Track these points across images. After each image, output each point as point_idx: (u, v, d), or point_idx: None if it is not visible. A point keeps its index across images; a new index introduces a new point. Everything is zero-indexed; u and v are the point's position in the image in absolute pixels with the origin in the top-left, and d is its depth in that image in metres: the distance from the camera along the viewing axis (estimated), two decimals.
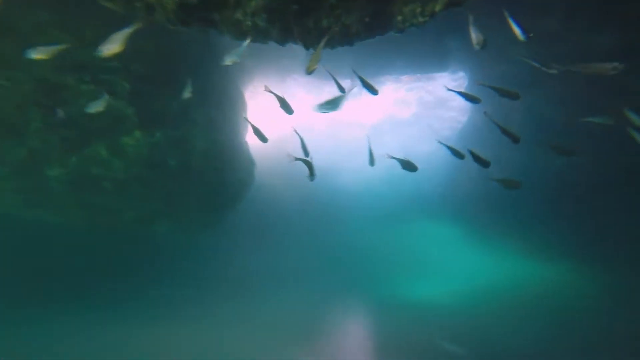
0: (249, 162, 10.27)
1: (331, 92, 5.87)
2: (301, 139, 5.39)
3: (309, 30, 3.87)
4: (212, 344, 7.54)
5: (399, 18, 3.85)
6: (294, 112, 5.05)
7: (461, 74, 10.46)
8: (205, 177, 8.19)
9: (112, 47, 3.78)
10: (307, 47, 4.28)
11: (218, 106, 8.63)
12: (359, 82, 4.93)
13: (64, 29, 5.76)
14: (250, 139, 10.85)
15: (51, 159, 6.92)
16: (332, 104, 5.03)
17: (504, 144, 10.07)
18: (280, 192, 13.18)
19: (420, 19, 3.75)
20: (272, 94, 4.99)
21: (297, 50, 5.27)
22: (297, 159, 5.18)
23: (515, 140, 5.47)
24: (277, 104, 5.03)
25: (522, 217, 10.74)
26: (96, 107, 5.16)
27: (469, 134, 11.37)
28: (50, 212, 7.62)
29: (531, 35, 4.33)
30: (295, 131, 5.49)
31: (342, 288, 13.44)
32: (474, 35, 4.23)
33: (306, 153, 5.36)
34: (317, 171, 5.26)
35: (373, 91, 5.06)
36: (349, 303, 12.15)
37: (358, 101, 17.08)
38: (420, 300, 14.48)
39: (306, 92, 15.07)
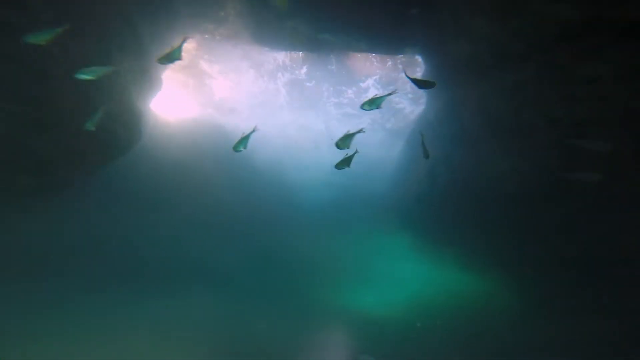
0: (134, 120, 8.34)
1: None
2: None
3: None
4: None
5: None
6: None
7: (417, 57, 9.75)
8: None
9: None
10: None
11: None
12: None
13: None
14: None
15: None
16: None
17: (455, 147, 9.66)
18: (209, 177, 11.09)
19: None
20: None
21: None
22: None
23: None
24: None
25: (465, 225, 10.22)
26: None
27: (421, 129, 10.67)
28: None
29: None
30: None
31: (271, 294, 11.97)
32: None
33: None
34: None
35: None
36: (274, 310, 10.71)
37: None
38: (355, 310, 13.66)
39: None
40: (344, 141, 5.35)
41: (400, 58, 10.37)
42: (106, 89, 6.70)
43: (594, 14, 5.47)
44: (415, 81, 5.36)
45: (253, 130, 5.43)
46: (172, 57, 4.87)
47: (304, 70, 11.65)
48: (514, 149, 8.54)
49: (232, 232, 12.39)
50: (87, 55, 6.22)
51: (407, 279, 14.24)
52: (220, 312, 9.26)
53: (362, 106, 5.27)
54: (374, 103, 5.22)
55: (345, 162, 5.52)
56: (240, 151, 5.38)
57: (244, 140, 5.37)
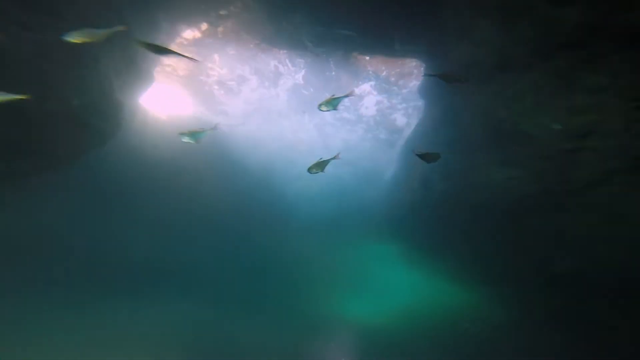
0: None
1: None
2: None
3: None
4: None
5: None
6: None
7: (413, 62, 9.56)
8: None
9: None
10: None
11: None
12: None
13: None
14: None
15: None
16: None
17: (450, 155, 9.47)
18: (197, 179, 10.60)
19: None
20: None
21: None
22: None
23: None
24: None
25: (457, 235, 9.99)
26: None
27: (416, 142, 10.45)
28: None
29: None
30: None
31: (260, 302, 11.45)
32: None
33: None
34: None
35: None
36: (262, 319, 10.21)
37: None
38: (345, 318, 13.23)
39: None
40: (318, 167, 5.38)
41: (395, 68, 10.10)
42: (81, 76, 6.19)
43: (599, 20, 5.25)
44: (443, 77, 5.32)
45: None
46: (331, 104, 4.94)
47: (302, 73, 11.36)
48: (511, 159, 8.36)
49: (221, 236, 11.88)
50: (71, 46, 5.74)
51: (397, 288, 13.92)
52: (201, 320, 8.68)
53: (319, 107, 5.23)
54: (330, 104, 5.21)
55: (319, 166, 5.43)
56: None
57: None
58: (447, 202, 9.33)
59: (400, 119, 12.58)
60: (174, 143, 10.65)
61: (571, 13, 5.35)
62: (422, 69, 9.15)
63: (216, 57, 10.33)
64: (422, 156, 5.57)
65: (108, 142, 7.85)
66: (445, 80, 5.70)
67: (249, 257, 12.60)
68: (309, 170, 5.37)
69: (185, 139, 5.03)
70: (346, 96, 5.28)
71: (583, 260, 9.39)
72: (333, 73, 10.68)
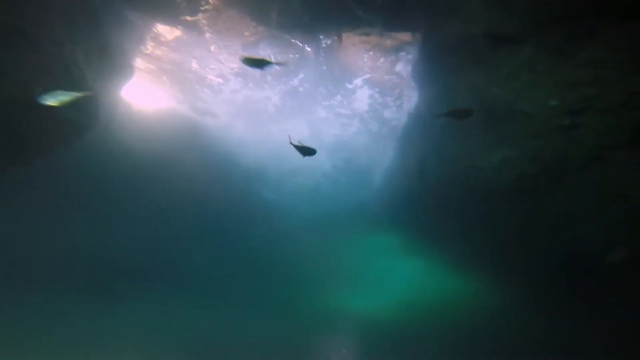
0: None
1: None
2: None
3: None
4: None
5: None
6: None
7: (403, 54, 9.15)
8: None
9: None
10: None
11: None
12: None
13: None
14: None
15: None
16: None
17: (446, 139, 9.21)
18: (183, 176, 10.11)
19: None
20: None
21: None
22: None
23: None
24: None
25: (455, 222, 9.74)
26: None
27: (411, 129, 10.12)
28: None
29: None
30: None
31: (259, 300, 11.08)
32: None
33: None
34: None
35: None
36: (263, 315, 9.90)
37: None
38: (346, 312, 12.93)
39: None
40: (255, 62, 5.30)
41: (392, 60, 9.52)
42: (49, 67, 5.72)
43: None
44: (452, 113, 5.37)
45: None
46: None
47: (300, 76, 10.64)
48: (507, 138, 8.15)
49: (212, 235, 11.49)
50: (26, 29, 5.27)
51: (398, 280, 13.70)
52: (197, 321, 8.30)
53: (244, 59, 5.21)
54: (258, 63, 5.18)
55: (256, 63, 5.31)
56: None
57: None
58: (443, 188, 9.10)
59: (390, 114, 12.09)
60: (159, 138, 10.22)
61: None
62: (414, 48, 8.75)
63: (200, 55, 9.78)
64: (452, 113, 5.42)
65: (84, 135, 7.36)
66: (455, 117, 5.51)
67: (243, 255, 12.21)
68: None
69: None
70: (277, 64, 5.34)
71: (582, 243, 9.25)
72: (325, 68, 10.15)
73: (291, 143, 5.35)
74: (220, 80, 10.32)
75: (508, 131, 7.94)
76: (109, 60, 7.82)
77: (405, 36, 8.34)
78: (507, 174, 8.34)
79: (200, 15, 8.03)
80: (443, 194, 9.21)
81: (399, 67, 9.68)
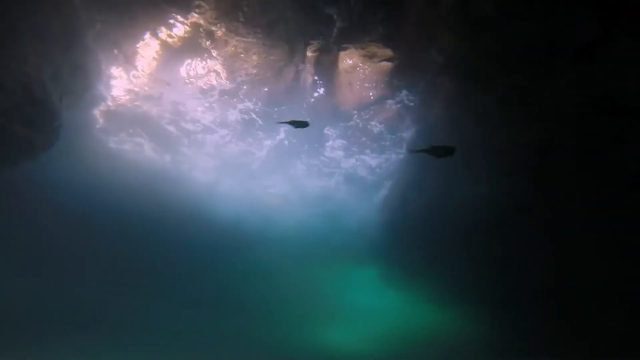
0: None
1: None
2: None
3: None
4: None
5: None
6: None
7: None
8: None
9: None
10: None
11: None
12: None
13: None
14: None
15: None
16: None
17: (427, 171, 9.34)
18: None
19: None
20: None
21: None
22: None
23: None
24: None
25: (435, 254, 9.61)
26: None
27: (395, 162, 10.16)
28: None
29: None
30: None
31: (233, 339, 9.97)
32: None
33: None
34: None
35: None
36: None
37: None
38: (323, 346, 11.99)
39: None
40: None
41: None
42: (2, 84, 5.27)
43: (552, 35, 5.53)
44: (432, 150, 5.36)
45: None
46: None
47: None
48: (483, 174, 8.35)
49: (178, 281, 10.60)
50: None
51: (377, 312, 13.09)
52: None
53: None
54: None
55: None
56: None
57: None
58: (423, 220, 9.11)
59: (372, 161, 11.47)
60: (124, 173, 9.51)
61: (529, 27, 5.49)
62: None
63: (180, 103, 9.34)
64: (432, 150, 5.27)
65: (39, 154, 6.72)
66: (434, 155, 5.45)
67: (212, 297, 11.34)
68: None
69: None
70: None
71: (560, 276, 9.27)
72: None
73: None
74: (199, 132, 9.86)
75: (484, 167, 8.15)
76: (83, 77, 7.41)
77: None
78: (481, 210, 8.40)
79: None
80: (422, 226, 9.17)
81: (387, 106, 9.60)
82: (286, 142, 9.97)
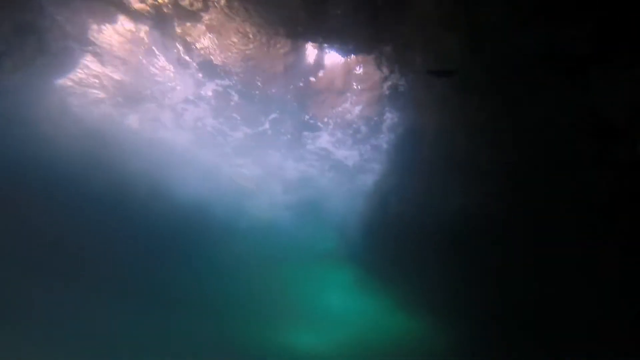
0: None
1: None
2: None
3: None
4: None
5: None
6: None
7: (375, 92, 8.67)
8: None
9: None
10: None
11: None
12: None
13: None
14: None
15: None
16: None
17: (410, 178, 9.10)
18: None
19: None
20: None
21: None
22: None
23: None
24: None
25: (411, 261, 9.56)
26: None
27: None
28: None
29: None
30: None
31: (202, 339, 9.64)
32: None
33: None
34: None
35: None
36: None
37: None
38: (295, 349, 11.94)
39: None
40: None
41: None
42: None
43: (548, 49, 5.40)
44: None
45: None
46: None
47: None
48: (466, 188, 8.22)
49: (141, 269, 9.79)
50: None
51: (352, 317, 13.13)
52: None
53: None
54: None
55: None
56: None
57: None
58: (402, 225, 8.96)
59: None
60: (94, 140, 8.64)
61: (529, 39, 5.34)
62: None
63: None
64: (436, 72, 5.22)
65: None
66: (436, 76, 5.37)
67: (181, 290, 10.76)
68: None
69: None
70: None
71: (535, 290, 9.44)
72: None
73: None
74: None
75: (467, 182, 8.01)
76: (36, 41, 6.53)
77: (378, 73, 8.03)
78: (462, 223, 8.33)
79: None
80: (401, 231, 9.05)
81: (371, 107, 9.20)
82: (270, 131, 9.37)
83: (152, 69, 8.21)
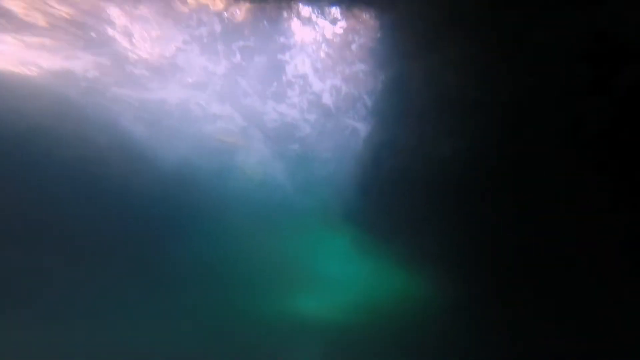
0: None
1: None
2: None
3: None
4: None
5: None
6: None
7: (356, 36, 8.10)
8: None
9: None
10: None
11: None
12: None
13: None
14: None
15: None
16: None
17: (400, 128, 8.90)
18: None
19: None
20: None
21: None
22: None
23: None
24: None
25: (410, 216, 9.46)
26: None
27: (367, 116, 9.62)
28: None
29: None
30: None
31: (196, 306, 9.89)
32: None
33: None
34: None
35: None
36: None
37: None
38: (295, 315, 12.11)
39: None
40: None
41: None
42: None
43: None
44: None
45: None
46: None
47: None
48: (459, 129, 8.01)
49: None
50: None
51: (352, 280, 13.24)
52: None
53: None
54: None
55: None
56: None
57: None
58: (397, 179, 8.81)
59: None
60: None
61: None
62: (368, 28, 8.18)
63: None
64: None
65: None
66: None
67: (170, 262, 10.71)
68: None
69: None
70: None
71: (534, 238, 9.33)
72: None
73: None
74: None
75: (459, 122, 7.80)
76: None
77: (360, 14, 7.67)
78: (460, 165, 8.19)
79: None
80: (396, 185, 8.92)
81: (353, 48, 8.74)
82: (243, 63, 8.54)
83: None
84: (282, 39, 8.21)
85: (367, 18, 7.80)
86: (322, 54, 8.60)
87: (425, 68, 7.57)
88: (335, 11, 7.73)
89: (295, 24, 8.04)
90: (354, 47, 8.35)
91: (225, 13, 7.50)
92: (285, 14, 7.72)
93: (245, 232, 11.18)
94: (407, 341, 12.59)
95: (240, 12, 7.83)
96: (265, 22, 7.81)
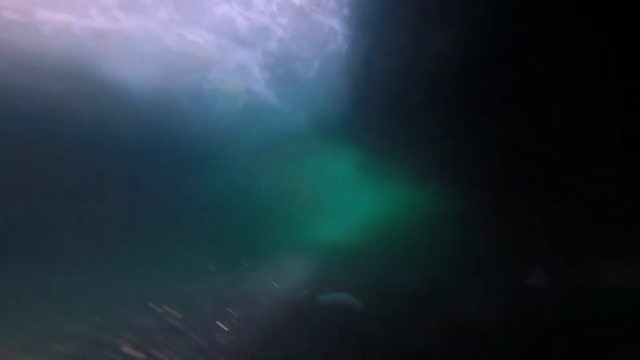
0: None
1: None
2: None
3: None
4: None
5: None
6: None
7: None
8: None
9: None
10: None
11: None
12: None
13: None
14: None
15: None
16: None
17: (388, 29, 7.96)
18: None
19: None
20: None
21: None
22: None
23: None
24: None
25: (409, 122, 8.96)
26: None
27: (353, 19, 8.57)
28: None
29: None
30: None
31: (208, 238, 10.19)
32: None
33: None
34: None
35: None
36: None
37: None
38: (304, 242, 12.65)
39: None
40: None
41: None
42: None
43: None
44: None
45: None
46: None
47: None
48: (454, 16, 7.09)
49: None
50: None
51: (359, 203, 13.46)
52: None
53: None
54: None
55: None
56: None
57: None
58: (389, 82, 8.17)
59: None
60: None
61: None
62: None
63: None
64: None
65: None
66: None
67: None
68: None
69: None
70: None
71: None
72: None
73: None
74: None
75: (454, 9, 6.86)
76: None
77: None
78: (456, 57, 7.44)
79: None
80: (389, 89, 8.32)
81: None
82: None
83: None
84: None
85: None
86: None
87: None
88: None
89: None
90: None
91: None
92: None
93: (245, 160, 10.92)
94: (416, 254, 13.04)
95: None
96: None
